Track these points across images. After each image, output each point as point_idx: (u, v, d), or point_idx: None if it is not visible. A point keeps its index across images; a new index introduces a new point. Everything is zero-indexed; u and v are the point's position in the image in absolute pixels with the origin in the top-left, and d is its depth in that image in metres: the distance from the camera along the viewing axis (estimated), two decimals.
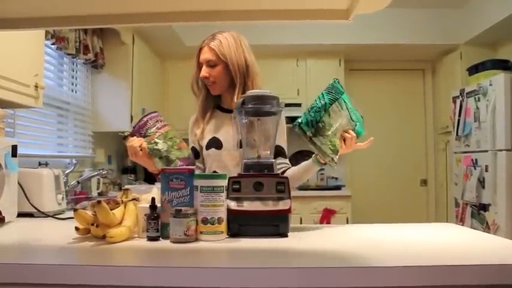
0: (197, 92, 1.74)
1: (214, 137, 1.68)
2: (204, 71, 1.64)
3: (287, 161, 1.68)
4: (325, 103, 1.37)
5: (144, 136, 1.49)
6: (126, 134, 1.55)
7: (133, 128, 1.54)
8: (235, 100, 1.60)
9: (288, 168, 1.62)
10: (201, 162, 1.74)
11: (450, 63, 4.32)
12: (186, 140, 1.65)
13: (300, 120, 1.36)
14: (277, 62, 4.37)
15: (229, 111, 1.69)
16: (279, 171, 1.54)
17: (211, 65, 1.64)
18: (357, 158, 4.78)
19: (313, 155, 1.46)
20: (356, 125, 1.46)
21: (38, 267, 0.92)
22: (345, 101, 1.43)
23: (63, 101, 3.00)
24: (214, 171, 1.64)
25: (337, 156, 1.40)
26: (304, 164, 1.54)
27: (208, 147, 1.68)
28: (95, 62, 3.24)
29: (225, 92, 1.70)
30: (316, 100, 1.39)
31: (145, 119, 1.53)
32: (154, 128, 1.51)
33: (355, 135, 1.44)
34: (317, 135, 1.36)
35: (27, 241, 1.27)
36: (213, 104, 1.75)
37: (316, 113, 1.36)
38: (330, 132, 1.37)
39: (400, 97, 4.86)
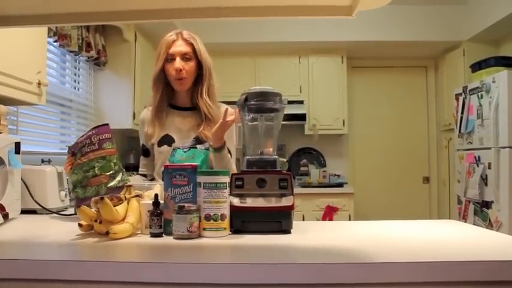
0: (158, 87, 1.69)
1: (166, 134, 1.68)
2: (179, 64, 1.62)
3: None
4: None
5: (76, 158, 1.52)
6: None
7: (73, 145, 1.53)
8: (200, 97, 1.64)
9: None
10: (151, 160, 1.74)
11: (453, 60, 4.31)
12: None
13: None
14: (279, 59, 4.38)
15: (183, 109, 1.71)
16: None
17: (186, 58, 1.63)
18: (360, 155, 4.80)
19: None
20: None
21: (41, 263, 0.92)
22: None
23: (65, 98, 3.00)
24: None
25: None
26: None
27: (160, 144, 1.68)
28: (97, 59, 3.24)
29: (185, 89, 1.69)
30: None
31: (80, 139, 1.52)
32: (80, 154, 1.49)
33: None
34: None
35: (31, 237, 1.28)
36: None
37: None
38: None
39: (403, 94, 4.85)
